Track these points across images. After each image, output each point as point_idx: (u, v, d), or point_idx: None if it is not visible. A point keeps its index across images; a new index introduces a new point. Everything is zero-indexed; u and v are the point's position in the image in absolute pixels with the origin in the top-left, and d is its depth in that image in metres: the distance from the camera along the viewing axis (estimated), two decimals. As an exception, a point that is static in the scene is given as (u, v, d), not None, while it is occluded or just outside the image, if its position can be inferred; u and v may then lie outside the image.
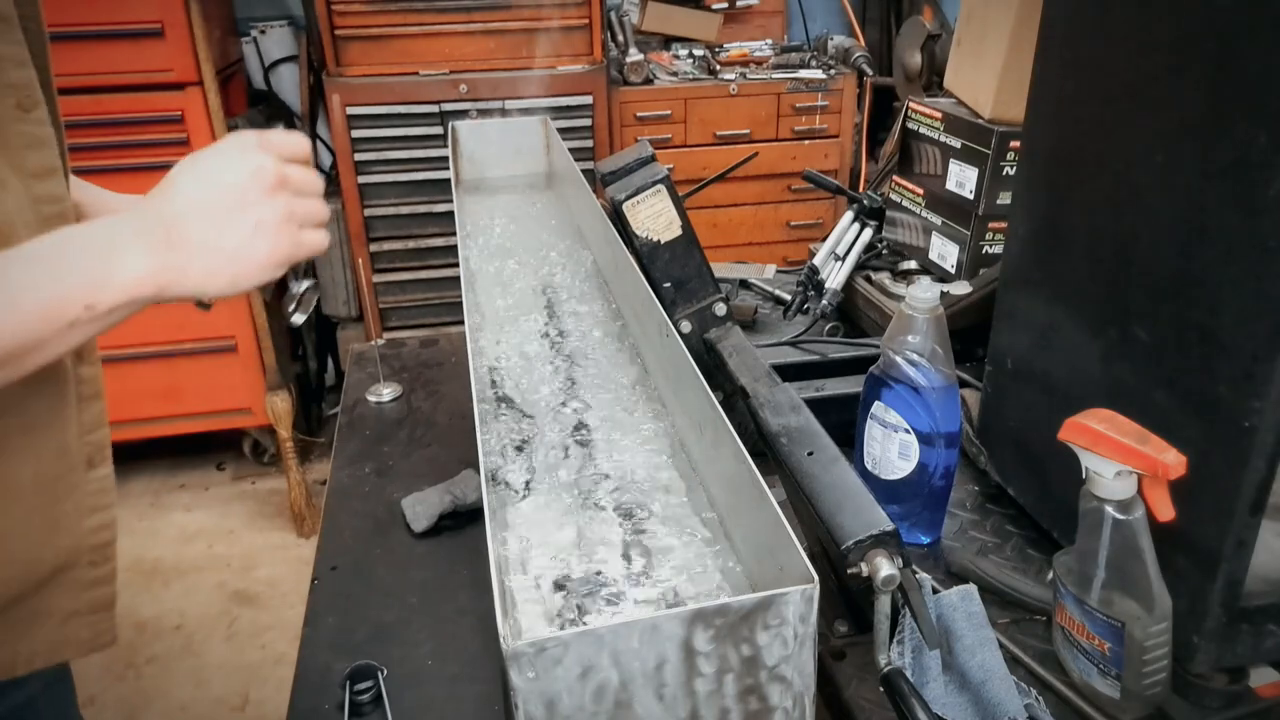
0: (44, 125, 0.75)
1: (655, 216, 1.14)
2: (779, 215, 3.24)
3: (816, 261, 1.56)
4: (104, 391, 0.85)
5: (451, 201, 1.41)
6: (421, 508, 1.09)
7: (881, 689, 0.74)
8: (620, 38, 3.14)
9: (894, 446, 0.98)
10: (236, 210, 0.68)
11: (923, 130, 1.50)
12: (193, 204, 0.67)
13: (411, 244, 2.94)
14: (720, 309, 1.16)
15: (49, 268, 0.64)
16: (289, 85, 3.21)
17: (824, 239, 1.61)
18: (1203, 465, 0.74)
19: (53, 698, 0.88)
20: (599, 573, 0.76)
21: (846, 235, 1.59)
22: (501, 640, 0.53)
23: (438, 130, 2.82)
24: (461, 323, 1.04)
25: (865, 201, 1.61)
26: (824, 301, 1.49)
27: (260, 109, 3.07)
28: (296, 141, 0.73)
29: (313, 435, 3.21)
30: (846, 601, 0.89)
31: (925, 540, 1.03)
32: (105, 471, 0.85)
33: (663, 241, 1.14)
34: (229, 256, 0.67)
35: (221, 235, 0.67)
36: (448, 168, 1.57)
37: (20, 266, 0.63)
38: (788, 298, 1.62)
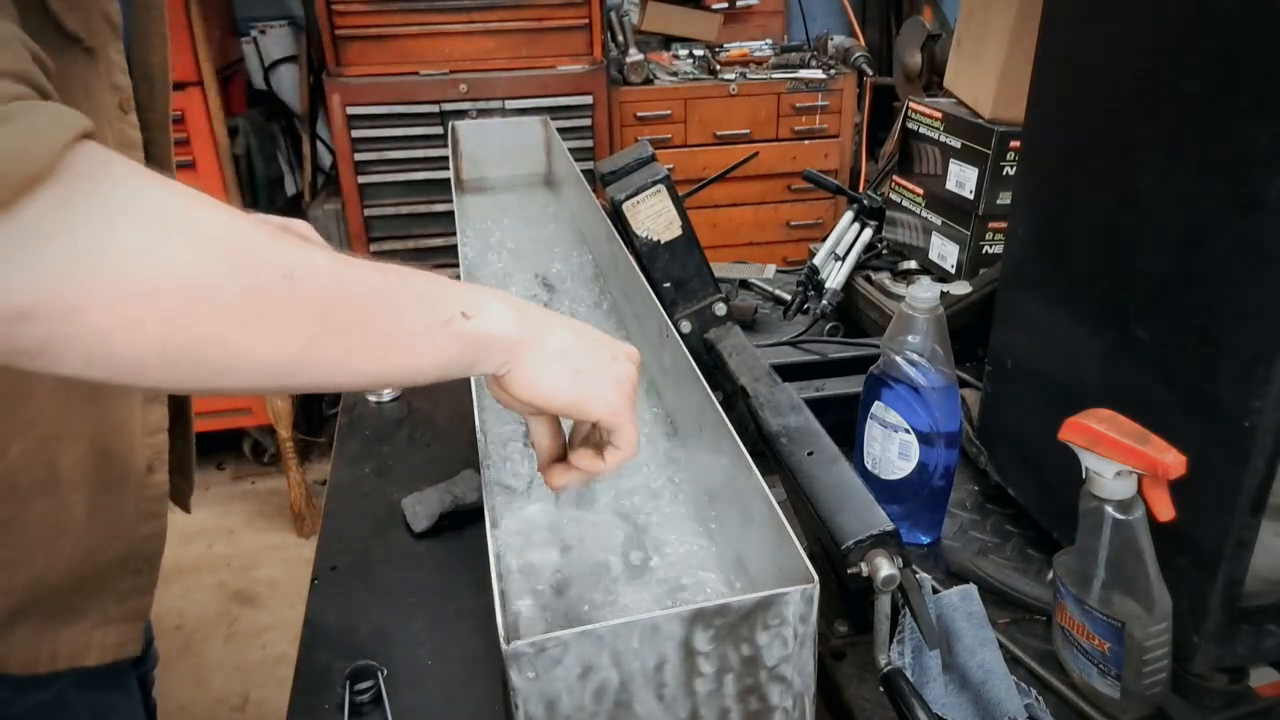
0: (135, 129, 0.78)
1: (655, 216, 1.14)
2: (779, 215, 3.24)
3: (816, 261, 1.56)
4: (165, 396, 0.84)
5: (451, 201, 1.41)
6: (421, 508, 1.09)
7: (881, 689, 0.75)
8: (620, 38, 3.14)
9: (894, 446, 0.98)
10: (608, 346, 0.69)
11: (923, 130, 1.50)
12: (565, 324, 0.68)
13: (411, 244, 2.94)
14: (720, 309, 1.16)
15: (425, 275, 0.61)
16: (289, 85, 3.21)
17: (824, 239, 1.61)
18: (1203, 465, 0.74)
19: (88, 696, 0.85)
20: (599, 572, 0.76)
21: (846, 235, 1.59)
22: (501, 640, 0.53)
23: (438, 130, 2.82)
24: (461, 323, 1.04)
25: (865, 201, 1.61)
26: (824, 301, 1.49)
27: (260, 109, 3.07)
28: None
29: (313, 435, 3.21)
30: (846, 601, 0.89)
31: (925, 540, 1.03)
32: (162, 477, 0.84)
33: (663, 241, 1.14)
34: (585, 359, 0.66)
35: (588, 343, 0.67)
36: (448, 168, 1.57)
37: (397, 270, 0.60)
38: (788, 298, 1.62)
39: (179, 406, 0.99)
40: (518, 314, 0.62)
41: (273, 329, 0.50)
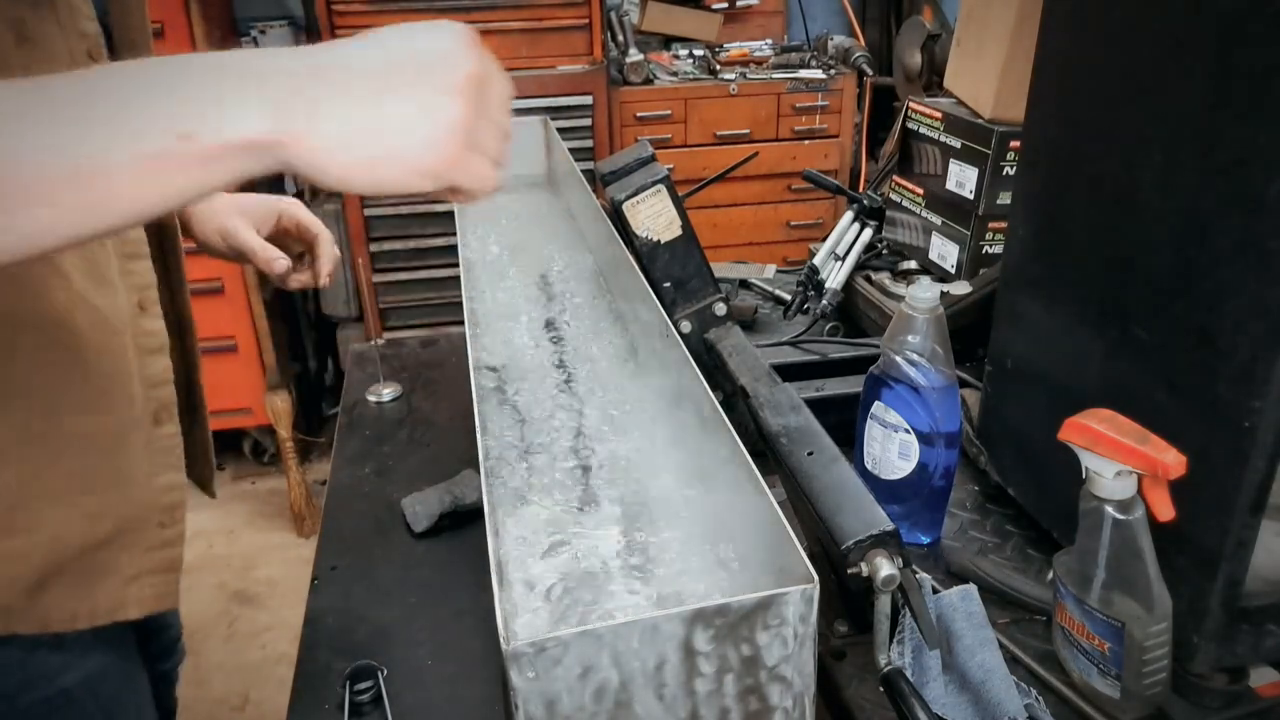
0: None
1: (655, 216, 1.14)
2: (779, 215, 3.24)
3: (816, 261, 1.56)
4: (168, 347, 0.85)
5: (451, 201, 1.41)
6: (421, 508, 1.09)
7: (881, 689, 0.74)
8: (620, 38, 3.14)
9: (894, 446, 0.98)
10: (413, 80, 0.54)
11: (923, 130, 1.50)
12: (362, 56, 0.54)
13: (411, 244, 2.94)
14: (720, 309, 1.16)
15: (140, 79, 0.50)
16: (289, 85, 3.21)
17: (824, 239, 1.61)
18: (1203, 465, 0.74)
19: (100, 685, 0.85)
20: (599, 572, 0.76)
21: (846, 235, 1.59)
22: (501, 640, 0.53)
23: (438, 130, 2.81)
24: (461, 323, 1.04)
25: (865, 201, 1.61)
26: (824, 301, 1.49)
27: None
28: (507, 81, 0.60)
29: (313, 435, 3.21)
30: (846, 601, 0.89)
31: (925, 540, 1.03)
32: (172, 429, 0.85)
33: (663, 241, 1.14)
34: (377, 132, 0.52)
35: (380, 102, 0.52)
36: (448, 168, 1.56)
37: (105, 74, 0.50)
38: (788, 298, 1.62)
39: (187, 390, 0.99)
40: (270, 106, 0.50)
41: None
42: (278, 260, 1.05)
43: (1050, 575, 0.87)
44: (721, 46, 3.30)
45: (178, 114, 0.48)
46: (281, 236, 1.10)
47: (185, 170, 0.49)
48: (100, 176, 0.47)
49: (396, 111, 0.53)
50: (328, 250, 1.11)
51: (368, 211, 2.89)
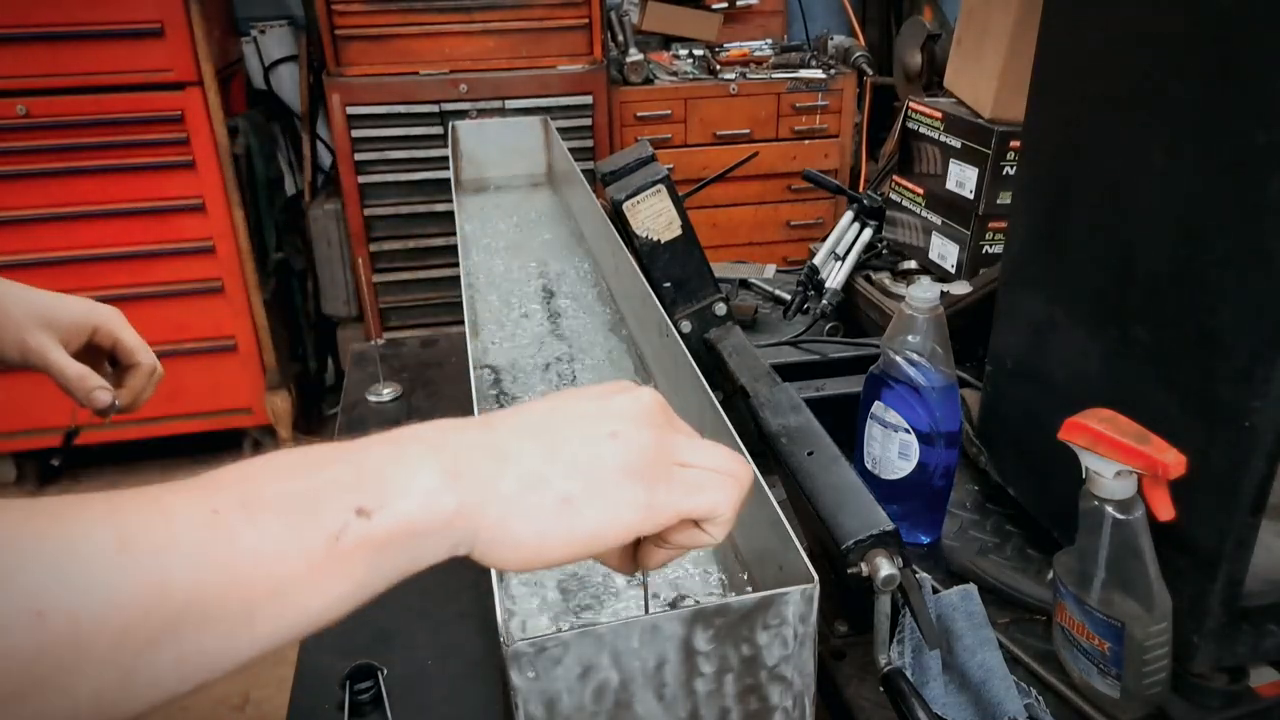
0: None
1: (655, 216, 1.14)
2: (779, 215, 3.24)
3: (816, 261, 1.56)
4: None
5: (451, 201, 1.41)
6: (421, 508, 1.09)
7: (881, 689, 0.74)
8: (620, 37, 3.14)
9: (894, 446, 0.98)
10: (596, 416, 0.49)
11: (923, 130, 1.50)
12: (531, 416, 0.49)
13: (411, 244, 2.94)
14: (720, 309, 1.16)
15: (297, 458, 0.43)
16: (289, 85, 3.21)
17: (824, 239, 1.61)
18: (1203, 465, 0.74)
19: None
20: (599, 571, 0.76)
21: (846, 235, 1.59)
22: (501, 640, 0.53)
23: (438, 130, 2.82)
24: (461, 323, 1.04)
25: (865, 201, 1.61)
26: (824, 301, 1.49)
27: (260, 109, 3.08)
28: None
29: (313, 435, 3.21)
30: (846, 601, 0.89)
31: (925, 540, 1.03)
32: None
33: (663, 241, 1.14)
34: (567, 466, 0.46)
35: (563, 438, 0.47)
36: (448, 168, 1.57)
37: (250, 476, 0.42)
38: (788, 298, 1.62)
39: None
40: (450, 474, 0.44)
41: (29, 702, 0.34)
42: (98, 392, 0.87)
43: (1050, 575, 0.87)
44: (721, 46, 3.30)
45: (354, 486, 0.42)
46: (94, 353, 0.92)
47: (357, 559, 0.42)
48: (268, 590, 0.40)
49: (583, 442, 0.47)
50: (141, 383, 0.93)
51: (367, 212, 2.89)
